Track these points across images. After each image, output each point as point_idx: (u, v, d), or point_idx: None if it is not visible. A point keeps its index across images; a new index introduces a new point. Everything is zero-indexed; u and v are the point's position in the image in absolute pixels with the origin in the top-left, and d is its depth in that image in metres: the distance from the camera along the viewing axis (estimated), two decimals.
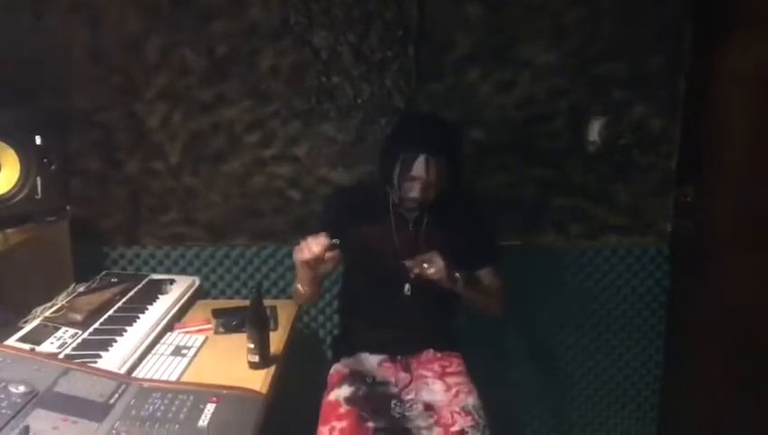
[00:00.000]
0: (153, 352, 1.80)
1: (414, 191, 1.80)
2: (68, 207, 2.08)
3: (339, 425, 1.72)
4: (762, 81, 2.08)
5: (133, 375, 1.59)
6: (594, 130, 2.30)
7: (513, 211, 2.38)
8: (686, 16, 2.24)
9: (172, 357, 1.77)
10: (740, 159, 2.19)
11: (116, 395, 1.37)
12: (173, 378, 1.64)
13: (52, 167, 1.92)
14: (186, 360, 1.77)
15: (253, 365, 1.72)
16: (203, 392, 1.45)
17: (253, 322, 1.71)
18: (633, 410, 2.56)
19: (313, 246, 1.65)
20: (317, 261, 1.67)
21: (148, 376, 1.62)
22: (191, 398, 1.42)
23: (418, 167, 1.77)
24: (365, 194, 1.97)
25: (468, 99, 2.29)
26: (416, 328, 1.97)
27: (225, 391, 1.48)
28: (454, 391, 1.85)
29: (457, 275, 1.80)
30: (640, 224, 2.40)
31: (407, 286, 1.91)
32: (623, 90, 2.28)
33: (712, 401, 2.26)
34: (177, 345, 1.85)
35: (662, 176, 2.36)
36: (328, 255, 1.66)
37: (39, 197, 1.88)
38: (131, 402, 1.36)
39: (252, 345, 1.71)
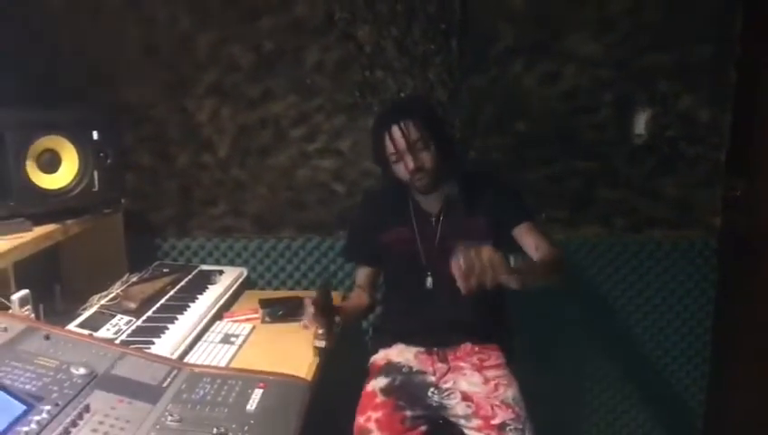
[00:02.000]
0: (203, 339, 1.87)
1: (408, 163, 1.83)
2: (123, 200, 2.16)
3: (375, 415, 1.74)
4: None
5: (184, 361, 1.66)
6: (640, 122, 2.27)
7: (557, 204, 2.37)
8: (736, 3, 2.18)
9: (221, 344, 1.84)
10: None
11: (168, 379, 1.43)
12: (222, 364, 1.70)
13: (108, 161, 1.99)
14: (234, 347, 1.83)
15: (318, 351, 1.77)
16: (250, 378, 1.50)
17: (322, 309, 1.74)
18: (679, 406, 2.52)
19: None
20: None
21: (198, 362, 1.68)
22: (239, 383, 1.46)
23: (395, 137, 1.83)
24: (390, 195, 2.00)
25: (512, 91, 2.29)
26: (447, 321, 1.95)
27: (271, 378, 1.52)
28: (493, 384, 1.83)
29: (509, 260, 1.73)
30: (687, 217, 2.36)
31: (429, 280, 1.94)
32: (670, 80, 2.25)
33: (759, 399, 2.21)
34: (226, 333, 1.92)
35: (710, 168, 2.31)
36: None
37: (96, 189, 1.96)
38: (182, 386, 1.42)
39: (321, 331, 1.76)
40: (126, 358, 1.46)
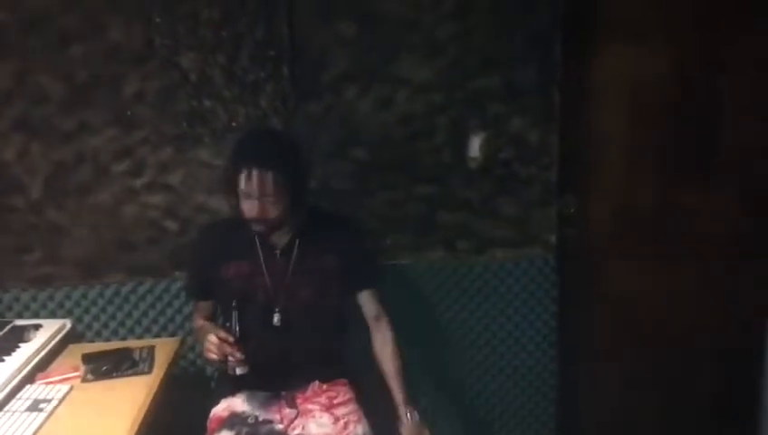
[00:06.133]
0: (6, 409, 1.63)
1: (252, 210, 1.72)
2: None
3: None
4: (628, 89, 2.16)
5: None
6: (474, 146, 2.29)
7: (400, 229, 2.35)
8: (555, 28, 2.26)
9: (27, 413, 1.61)
10: (614, 165, 2.26)
11: None
12: None
13: None
14: (43, 415, 1.61)
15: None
16: None
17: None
18: (532, 422, 2.56)
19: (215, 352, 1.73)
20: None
21: None
22: None
23: (251, 180, 1.70)
24: (232, 227, 1.85)
25: (348, 118, 2.24)
26: (294, 360, 1.87)
27: None
28: (342, 422, 1.79)
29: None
30: (526, 236, 2.41)
31: (276, 317, 1.84)
32: (500, 103, 2.29)
33: (605, 405, 2.30)
34: (36, 399, 1.69)
35: (543, 187, 2.38)
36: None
37: None
38: None
39: (239, 356, 1.74)
40: None
